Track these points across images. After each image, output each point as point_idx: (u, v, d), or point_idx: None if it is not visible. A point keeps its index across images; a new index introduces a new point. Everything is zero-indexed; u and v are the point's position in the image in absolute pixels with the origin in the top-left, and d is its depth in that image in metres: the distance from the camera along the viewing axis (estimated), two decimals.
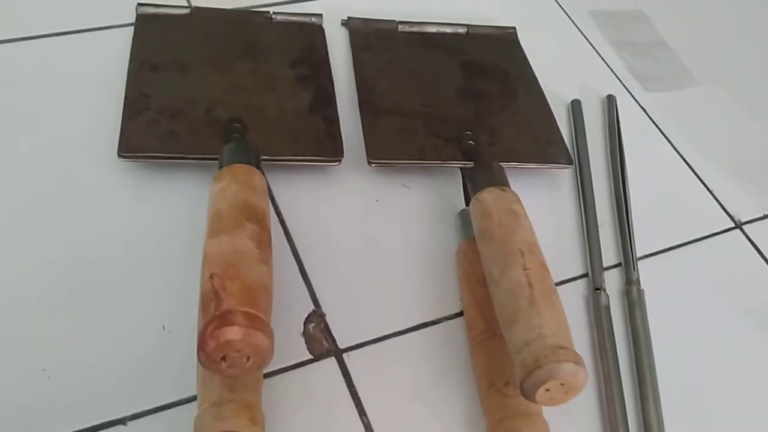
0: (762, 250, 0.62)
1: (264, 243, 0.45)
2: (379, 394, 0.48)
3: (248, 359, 0.39)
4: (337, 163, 0.58)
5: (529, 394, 0.41)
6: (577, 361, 0.40)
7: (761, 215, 0.64)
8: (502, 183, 0.53)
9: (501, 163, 0.56)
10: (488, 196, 0.51)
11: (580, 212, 0.61)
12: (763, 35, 0.82)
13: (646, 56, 0.76)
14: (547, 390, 0.40)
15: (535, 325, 0.42)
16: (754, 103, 0.74)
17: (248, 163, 0.51)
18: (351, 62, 0.67)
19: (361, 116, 0.61)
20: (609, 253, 0.59)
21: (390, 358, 0.50)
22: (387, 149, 0.59)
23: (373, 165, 0.58)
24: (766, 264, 0.61)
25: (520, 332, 0.42)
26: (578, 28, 0.77)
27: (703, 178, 0.66)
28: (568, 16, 0.78)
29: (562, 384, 0.40)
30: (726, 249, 0.62)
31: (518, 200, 0.51)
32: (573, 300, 0.55)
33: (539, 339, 0.41)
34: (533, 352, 0.41)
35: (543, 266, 0.46)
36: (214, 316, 0.39)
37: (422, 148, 0.59)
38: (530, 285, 0.44)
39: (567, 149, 0.62)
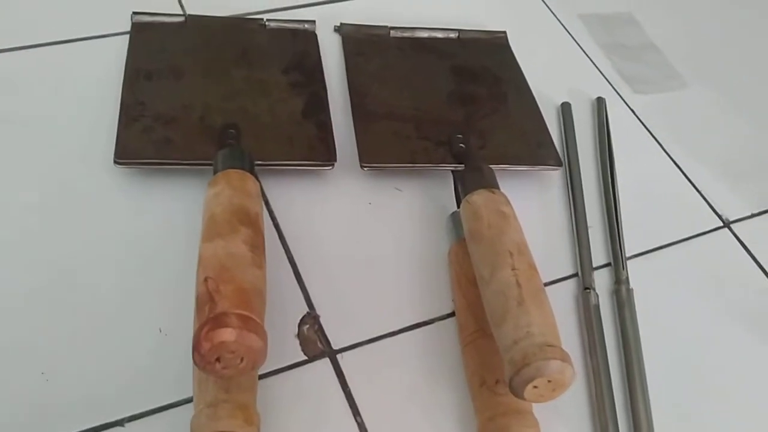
0: (750, 249, 0.62)
1: (258, 247, 0.46)
2: (372, 394, 0.49)
3: (242, 360, 0.40)
4: (330, 167, 0.58)
5: (517, 392, 0.42)
6: (565, 358, 0.41)
7: (749, 214, 0.65)
8: (492, 185, 0.53)
9: (491, 166, 0.56)
10: (478, 198, 0.52)
11: (569, 213, 0.61)
12: (750, 37, 0.83)
13: (635, 59, 0.77)
14: (535, 387, 0.41)
15: (523, 324, 0.43)
16: (742, 104, 0.75)
17: (242, 168, 0.51)
18: (344, 68, 0.67)
19: (353, 121, 0.62)
20: (598, 253, 0.59)
21: (383, 359, 0.51)
22: (379, 153, 0.59)
23: (365, 169, 0.58)
24: (754, 262, 0.62)
25: (509, 331, 0.43)
26: (568, 32, 0.78)
27: (691, 178, 0.67)
28: (558, 20, 0.79)
29: (549, 381, 0.41)
30: (714, 248, 0.62)
31: (507, 202, 0.52)
32: (563, 299, 0.56)
33: (527, 337, 0.42)
34: (521, 350, 0.41)
35: (532, 266, 0.47)
36: (209, 318, 0.39)
37: (414, 151, 0.60)
38: (519, 285, 0.45)
39: (557, 151, 0.63)
